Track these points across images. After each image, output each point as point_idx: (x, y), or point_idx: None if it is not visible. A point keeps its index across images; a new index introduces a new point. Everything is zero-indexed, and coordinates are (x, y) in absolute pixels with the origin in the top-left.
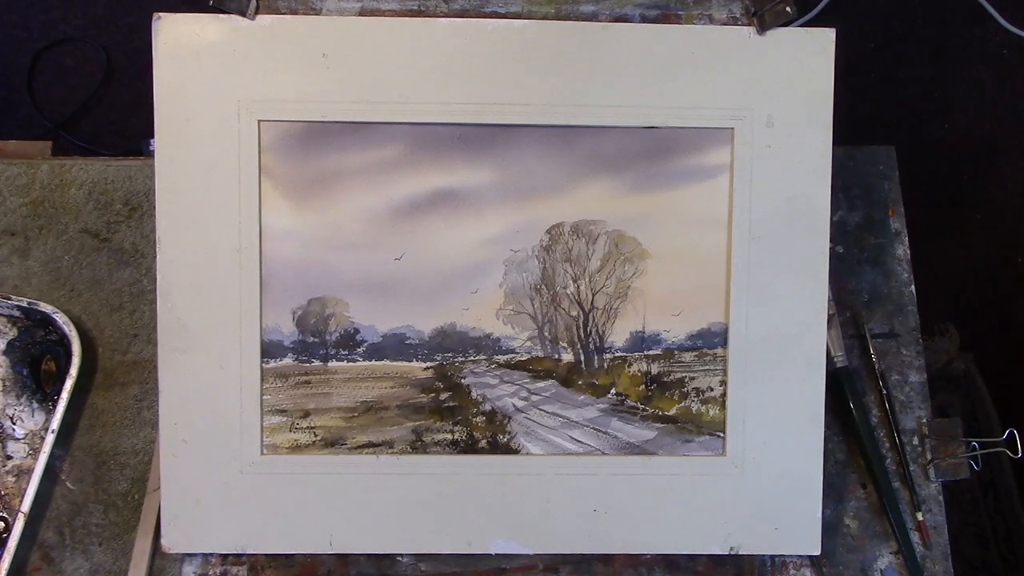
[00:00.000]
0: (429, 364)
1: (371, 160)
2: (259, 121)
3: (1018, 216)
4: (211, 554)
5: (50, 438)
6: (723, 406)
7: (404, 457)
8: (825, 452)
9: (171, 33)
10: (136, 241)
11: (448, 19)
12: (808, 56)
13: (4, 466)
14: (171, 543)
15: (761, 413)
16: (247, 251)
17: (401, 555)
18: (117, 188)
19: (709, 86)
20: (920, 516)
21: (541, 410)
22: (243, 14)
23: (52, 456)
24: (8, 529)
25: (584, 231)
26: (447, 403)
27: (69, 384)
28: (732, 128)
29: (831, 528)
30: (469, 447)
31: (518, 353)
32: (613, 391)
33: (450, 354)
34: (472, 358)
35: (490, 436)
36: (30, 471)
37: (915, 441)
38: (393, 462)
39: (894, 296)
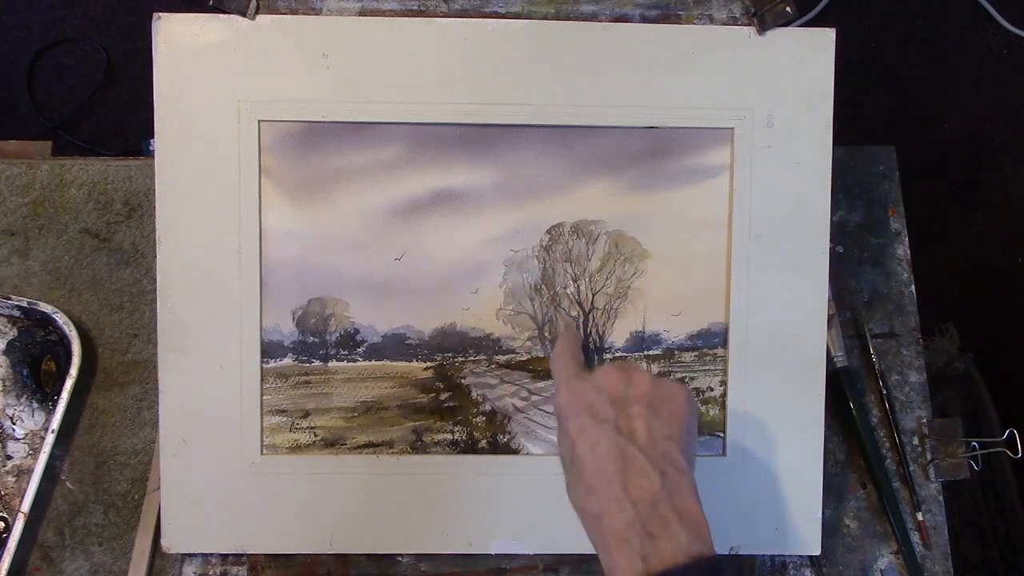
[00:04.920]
0: (429, 364)
1: (371, 160)
2: (259, 121)
3: (1018, 216)
4: (211, 554)
5: (50, 438)
6: (723, 406)
7: (404, 457)
8: (825, 452)
9: (171, 33)
10: (136, 241)
11: (448, 19)
12: (808, 56)
13: (4, 466)
14: (171, 543)
15: (761, 413)
16: (247, 251)
17: (401, 555)
18: (117, 188)
19: (709, 86)
20: (920, 516)
21: (541, 410)
22: (243, 14)
23: (52, 456)
24: (8, 529)
25: (584, 231)
26: (447, 403)
27: (69, 384)
28: (732, 128)
29: (831, 528)
30: (469, 447)
31: (518, 353)
32: None
33: (450, 354)
34: (472, 358)
35: (490, 436)
36: (30, 471)
37: (915, 441)
38: (393, 462)
39: (894, 296)
